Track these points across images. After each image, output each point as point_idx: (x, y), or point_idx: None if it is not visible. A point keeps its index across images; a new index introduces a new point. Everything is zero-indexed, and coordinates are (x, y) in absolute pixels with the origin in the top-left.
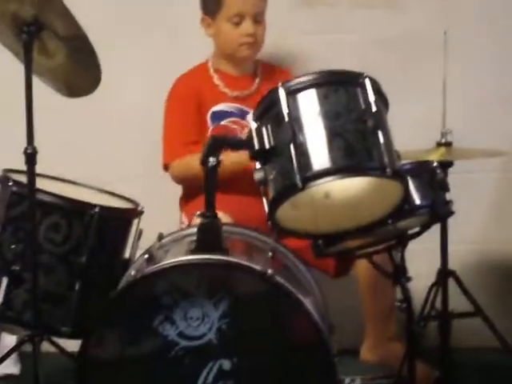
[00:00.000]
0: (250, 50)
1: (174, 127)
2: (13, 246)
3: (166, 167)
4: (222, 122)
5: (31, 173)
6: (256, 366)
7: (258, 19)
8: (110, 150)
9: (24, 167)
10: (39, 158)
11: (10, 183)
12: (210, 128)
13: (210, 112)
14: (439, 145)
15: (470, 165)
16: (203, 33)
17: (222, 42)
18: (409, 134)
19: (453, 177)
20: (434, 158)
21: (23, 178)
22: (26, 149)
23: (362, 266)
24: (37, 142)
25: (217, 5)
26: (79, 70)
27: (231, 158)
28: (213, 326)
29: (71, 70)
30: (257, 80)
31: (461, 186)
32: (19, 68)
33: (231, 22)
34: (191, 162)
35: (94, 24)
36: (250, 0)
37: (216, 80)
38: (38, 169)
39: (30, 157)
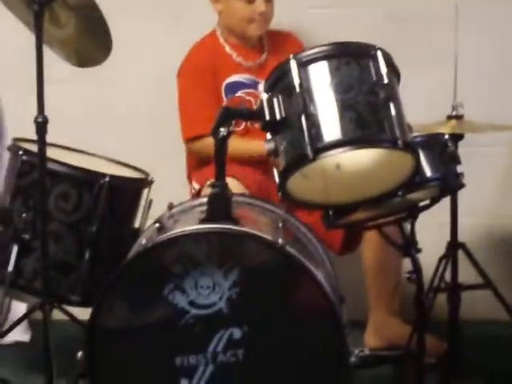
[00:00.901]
0: (261, 28)
1: (192, 100)
2: (23, 215)
3: (185, 141)
4: (237, 94)
5: (42, 142)
6: (266, 336)
7: None
8: (121, 120)
9: (35, 137)
10: (50, 127)
11: (21, 152)
12: (225, 100)
13: (224, 84)
14: (450, 118)
15: (481, 138)
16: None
17: (232, 19)
18: (420, 106)
19: (463, 150)
20: (445, 130)
21: (34, 148)
22: (37, 118)
23: (367, 245)
24: (47, 112)
25: None
26: (89, 40)
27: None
28: (223, 295)
29: (81, 40)
30: (265, 49)
31: (471, 160)
32: (30, 38)
33: (243, 0)
34: (234, 144)
35: None
36: None
37: (228, 50)
38: (49, 138)
39: (41, 126)
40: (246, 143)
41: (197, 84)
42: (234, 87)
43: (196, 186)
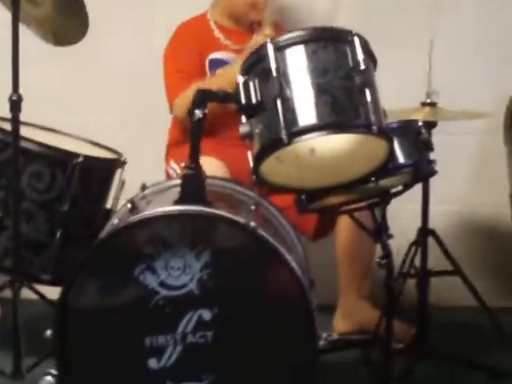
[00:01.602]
0: (259, 13)
1: (176, 69)
2: None
3: (171, 109)
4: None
5: (15, 120)
6: (236, 318)
7: None
8: (95, 100)
9: (8, 115)
10: (24, 106)
11: None
12: (208, 74)
13: (209, 58)
14: (424, 105)
15: (454, 126)
16: None
17: (235, 2)
18: (394, 92)
19: (436, 137)
20: (419, 117)
21: (7, 126)
22: (11, 96)
23: (340, 230)
24: (22, 91)
25: None
26: (66, 19)
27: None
28: (194, 276)
29: (58, 19)
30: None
31: (443, 147)
32: (6, 15)
33: None
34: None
35: None
36: None
37: (217, 33)
38: (22, 117)
39: (15, 104)
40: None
41: (179, 55)
42: (218, 63)
43: (174, 165)
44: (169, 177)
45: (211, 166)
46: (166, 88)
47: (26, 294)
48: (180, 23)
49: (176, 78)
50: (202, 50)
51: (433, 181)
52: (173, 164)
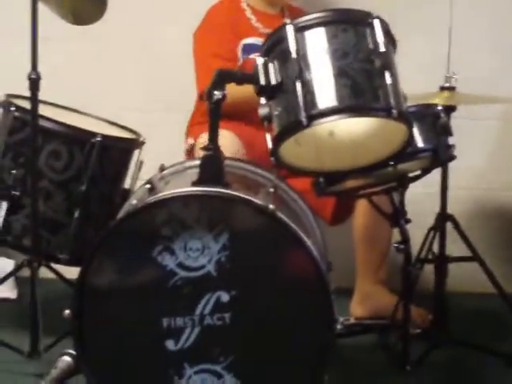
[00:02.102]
0: None
1: (210, 52)
2: (13, 171)
3: (201, 96)
4: (251, 56)
5: (34, 99)
6: (254, 300)
7: None
8: (114, 80)
9: (27, 93)
10: (42, 86)
11: (13, 108)
12: (240, 59)
13: (242, 44)
14: (443, 89)
15: (473, 111)
16: None
17: None
18: (413, 76)
19: (455, 121)
20: (438, 101)
21: (26, 104)
22: (30, 74)
23: (358, 215)
24: (41, 70)
25: None
26: None
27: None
28: (212, 257)
29: None
30: (285, 19)
31: (463, 132)
32: None
33: None
34: (232, 92)
35: None
36: None
37: (248, 14)
38: (41, 96)
39: (34, 82)
40: (241, 87)
41: (212, 39)
42: (250, 48)
43: (190, 140)
44: (188, 155)
45: (223, 137)
46: (200, 72)
47: (44, 273)
48: (213, 4)
49: (212, 63)
50: (236, 34)
51: (452, 165)
52: (190, 139)
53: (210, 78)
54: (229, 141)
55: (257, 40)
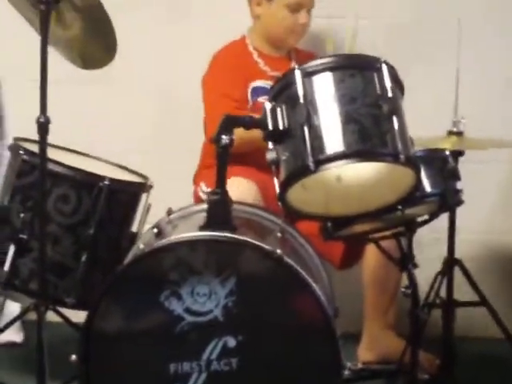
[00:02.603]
0: (298, 38)
1: (220, 94)
2: (21, 215)
3: (212, 140)
4: (259, 99)
5: (43, 142)
6: (261, 346)
7: (311, 10)
8: (122, 124)
9: (36, 137)
10: (51, 128)
11: (21, 152)
12: (250, 102)
13: (251, 87)
14: (451, 133)
15: (480, 154)
16: (218, 9)
17: (273, 26)
18: (420, 121)
19: (462, 166)
20: (446, 146)
21: (34, 148)
22: (39, 118)
23: (367, 259)
24: (49, 113)
25: None
26: (95, 42)
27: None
28: (219, 303)
29: (86, 41)
30: (293, 63)
31: (470, 176)
32: (35, 37)
33: (289, 9)
34: (239, 132)
35: None
36: None
37: (256, 57)
38: (50, 139)
39: (43, 126)
40: (249, 132)
41: (220, 83)
42: (259, 91)
43: (205, 188)
44: (197, 199)
45: (241, 185)
46: (209, 115)
47: (51, 316)
48: (219, 49)
49: (221, 104)
50: (245, 77)
51: (459, 210)
52: (203, 187)
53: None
54: (246, 187)
55: (265, 83)
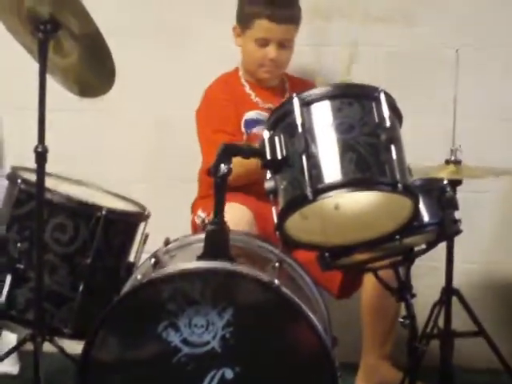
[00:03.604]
0: (270, 73)
1: (215, 129)
2: (18, 244)
3: (208, 172)
4: (254, 130)
5: (41, 171)
6: (259, 377)
7: (284, 44)
8: (120, 153)
9: (34, 165)
10: (50, 157)
11: (19, 181)
12: (245, 134)
13: (244, 119)
14: (448, 162)
15: (478, 183)
16: (215, 41)
17: (246, 58)
18: (418, 150)
19: (460, 195)
20: (444, 175)
21: (31, 176)
22: (37, 147)
23: (365, 289)
24: (47, 142)
25: (246, 23)
26: (93, 70)
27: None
28: (217, 334)
29: (84, 70)
30: (286, 94)
31: (467, 205)
32: (33, 65)
33: (256, 43)
34: (236, 162)
35: (108, 25)
36: (276, 27)
37: (247, 89)
38: (48, 168)
39: (41, 155)
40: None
41: (215, 116)
42: (253, 123)
43: (202, 214)
44: (195, 227)
45: (235, 210)
46: (204, 149)
47: (47, 347)
48: (212, 82)
49: (217, 138)
50: (238, 109)
51: (457, 239)
52: (200, 213)
53: (212, 157)
54: (240, 213)
55: (258, 114)
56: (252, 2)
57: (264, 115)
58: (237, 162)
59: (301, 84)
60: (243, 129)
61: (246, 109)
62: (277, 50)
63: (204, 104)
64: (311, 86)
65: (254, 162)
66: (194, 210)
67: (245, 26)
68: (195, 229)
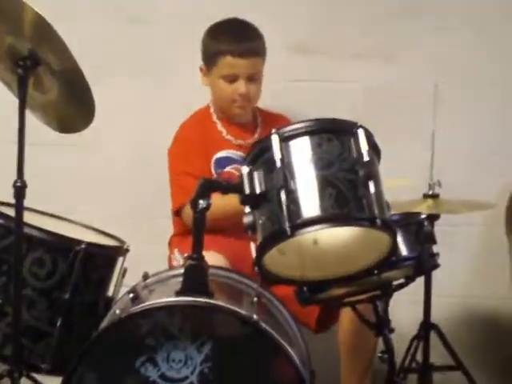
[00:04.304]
0: (242, 108)
1: (184, 171)
2: None
3: (177, 212)
4: (226, 169)
5: (19, 206)
6: None
7: (253, 78)
8: (98, 187)
9: (12, 200)
10: (28, 191)
11: None
12: (214, 174)
13: (214, 158)
14: (426, 196)
15: (456, 217)
16: (197, 79)
17: (215, 96)
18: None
19: (438, 228)
20: (422, 210)
21: (10, 211)
22: (16, 182)
23: (342, 324)
24: (26, 176)
25: (211, 61)
26: (72, 107)
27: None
28: (195, 369)
29: (64, 106)
30: (258, 129)
31: (444, 239)
32: (11, 100)
33: (225, 80)
34: (214, 204)
35: (89, 61)
36: (242, 63)
37: (219, 127)
38: (26, 202)
39: (19, 190)
40: (222, 198)
41: (184, 156)
42: (224, 162)
43: (178, 256)
44: (172, 265)
45: (212, 259)
46: (173, 189)
47: (24, 382)
48: (185, 119)
49: (185, 181)
50: (208, 150)
51: (435, 273)
52: (177, 254)
53: (182, 196)
54: (216, 262)
55: (229, 153)
56: (214, 40)
57: (235, 154)
58: (215, 203)
59: (273, 118)
60: (213, 169)
61: (217, 147)
62: (246, 85)
63: (175, 143)
64: (283, 121)
65: (232, 202)
66: (170, 247)
67: (210, 64)
68: (172, 266)
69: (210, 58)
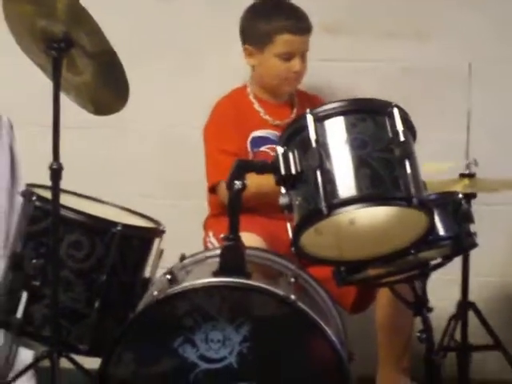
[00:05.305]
0: (294, 85)
1: (220, 149)
2: (34, 261)
3: (212, 189)
4: (262, 148)
5: (56, 188)
6: None
7: (304, 55)
8: (134, 169)
9: (48, 182)
10: (64, 174)
11: (34, 198)
12: (251, 153)
13: (251, 137)
14: (463, 176)
15: (493, 196)
16: (226, 59)
17: (267, 74)
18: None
19: (475, 208)
20: (459, 189)
21: (46, 194)
22: (52, 165)
23: (380, 305)
24: (62, 158)
25: (266, 39)
26: (106, 88)
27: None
28: (233, 349)
29: (98, 88)
30: (295, 109)
31: (482, 218)
32: (47, 83)
33: (280, 58)
34: (251, 183)
35: (120, 44)
36: (299, 40)
37: (257, 107)
38: (62, 185)
39: (56, 172)
40: (257, 178)
41: (221, 134)
42: (261, 141)
43: (213, 239)
44: (207, 247)
45: (250, 241)
46: (209, 167)
47: (64, 363)
48: (221, 98)
49: (221, 159)
50: (245, 128)
51: (473, 252)
52: (212, 238)
53: (219, 174)
54: (253, 243)
55: (267, 132)
56: (266, 19)
57: (272, 133)
58: (251, 182)
59: (309, 98)
60: (249, 147)
61: (253, 126)
62: (301, 63)
63: (210, 121)
64: (318, 101)
65: (268, 182)
66: (205, 228)
67: (263, 43)
68: (207, 247)
69: (261, 37)
